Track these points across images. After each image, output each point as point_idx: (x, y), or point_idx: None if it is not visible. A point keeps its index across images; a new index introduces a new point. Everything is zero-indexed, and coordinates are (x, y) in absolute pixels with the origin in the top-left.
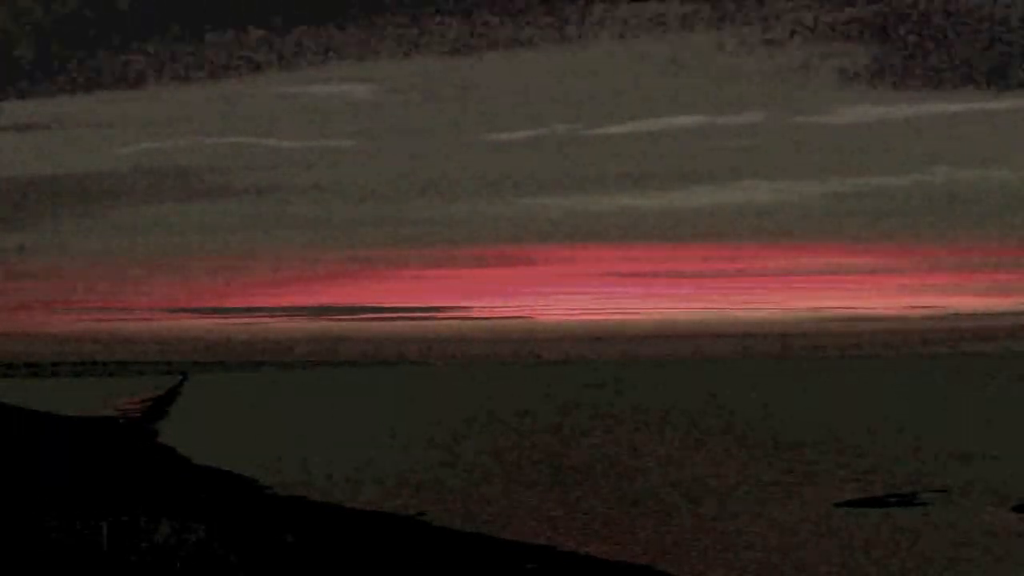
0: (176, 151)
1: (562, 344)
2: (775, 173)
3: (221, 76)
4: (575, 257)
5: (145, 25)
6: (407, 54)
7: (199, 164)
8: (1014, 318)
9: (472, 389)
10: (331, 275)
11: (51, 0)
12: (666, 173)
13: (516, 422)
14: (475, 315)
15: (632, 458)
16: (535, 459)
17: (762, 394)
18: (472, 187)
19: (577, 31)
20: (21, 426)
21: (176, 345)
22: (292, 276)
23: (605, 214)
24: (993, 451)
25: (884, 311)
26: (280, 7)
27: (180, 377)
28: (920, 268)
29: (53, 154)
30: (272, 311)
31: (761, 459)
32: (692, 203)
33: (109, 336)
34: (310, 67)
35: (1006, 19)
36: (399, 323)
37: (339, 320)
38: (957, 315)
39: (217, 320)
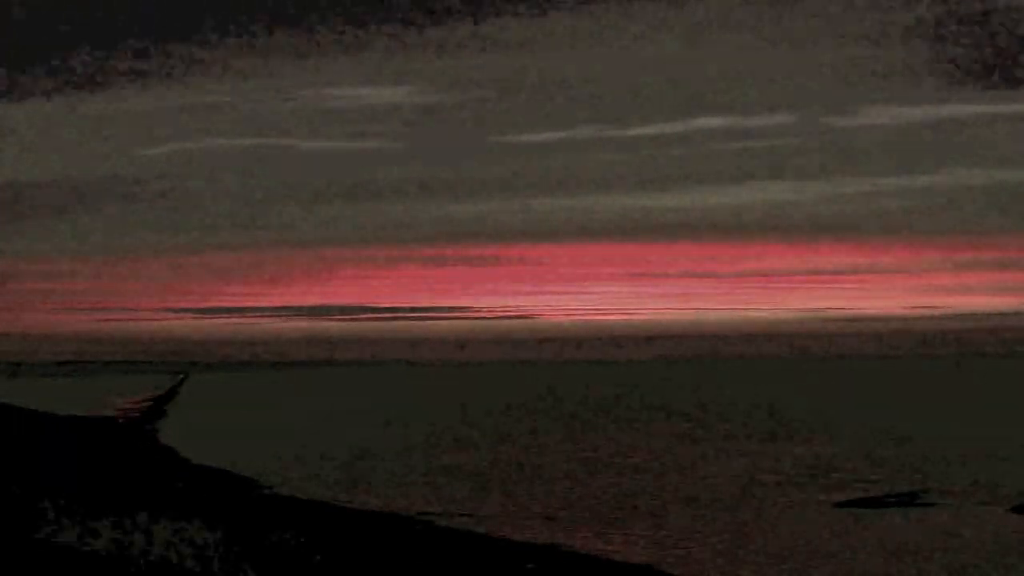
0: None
1: (564, 344)
2: (797, 174)
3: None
4: (583, 257)
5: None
6: (437, 56)
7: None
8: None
9: (474, 389)
10: (331, 275)
11: None
12: (683, 174)
13: (516, 422)
14: (476, 315)
15: (633, 458)
16: (536, 459)
17: (762, 394)
18: (493, 187)
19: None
20: (21, 426)
21: (176, 345)
22: (292, 276)
23: (615, 214)
24: (992, 452)
25: (885, 311)
26: (304, 5)
27: (180, 377)
28: (943, 267)
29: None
30: (272, 311)
31: (761, 459)
32: (702, 203)
33: (109, 336)
34: (334, 69)
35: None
36: (399, 323)
37: (339, 320)
38: (960, 315)
39: (217, 320)
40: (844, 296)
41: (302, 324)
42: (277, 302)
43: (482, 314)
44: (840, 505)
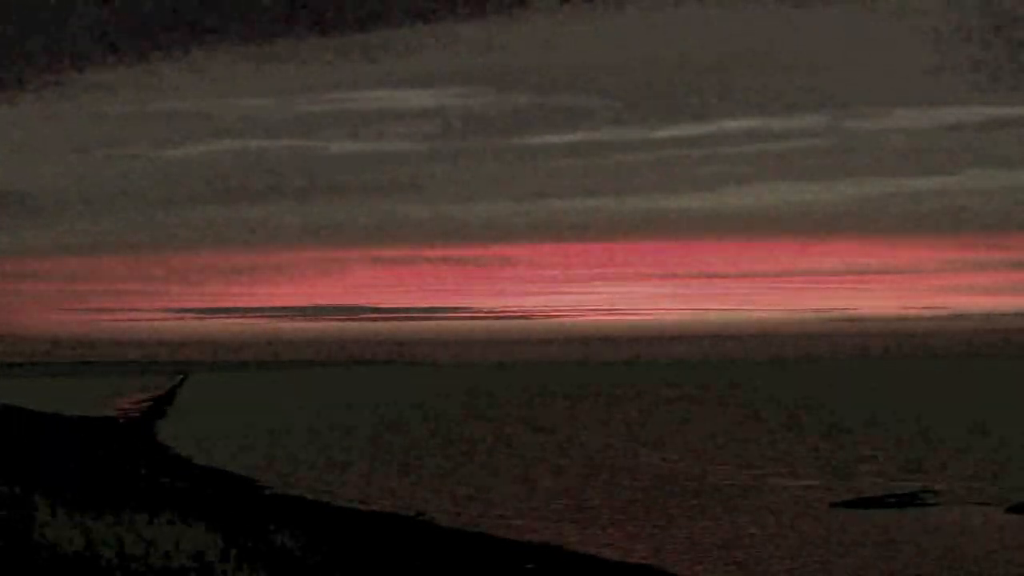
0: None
1: (566, 344)
2: (821, 175)
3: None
4: (585, 256)
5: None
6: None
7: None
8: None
9: (473, 389)
10: (332, 275)
11: None
12: (706, 175)
13: (516, 422)
14: (477, 315)
15: (633, 458)
16: (536, 459)
17: (765, 395)
18: (513, 188)
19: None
20: (21, 426)
21: (176, 345)
22: (292, 276)
23: (636, 215)
24: (992, 452)
25: (888, 311)
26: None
27: (180, 377)
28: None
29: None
30: (272, 311)
31: (761, 459)
32: (724, 204)
33: (109, 336)
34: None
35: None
36: (400, 323)
37: (339, 320)
38: (963, 315)
39: (217, 320)
40: (842, 297)
41: (302, 324)
42: (277, 302)
43: (494, 315)
44: (839, 505)
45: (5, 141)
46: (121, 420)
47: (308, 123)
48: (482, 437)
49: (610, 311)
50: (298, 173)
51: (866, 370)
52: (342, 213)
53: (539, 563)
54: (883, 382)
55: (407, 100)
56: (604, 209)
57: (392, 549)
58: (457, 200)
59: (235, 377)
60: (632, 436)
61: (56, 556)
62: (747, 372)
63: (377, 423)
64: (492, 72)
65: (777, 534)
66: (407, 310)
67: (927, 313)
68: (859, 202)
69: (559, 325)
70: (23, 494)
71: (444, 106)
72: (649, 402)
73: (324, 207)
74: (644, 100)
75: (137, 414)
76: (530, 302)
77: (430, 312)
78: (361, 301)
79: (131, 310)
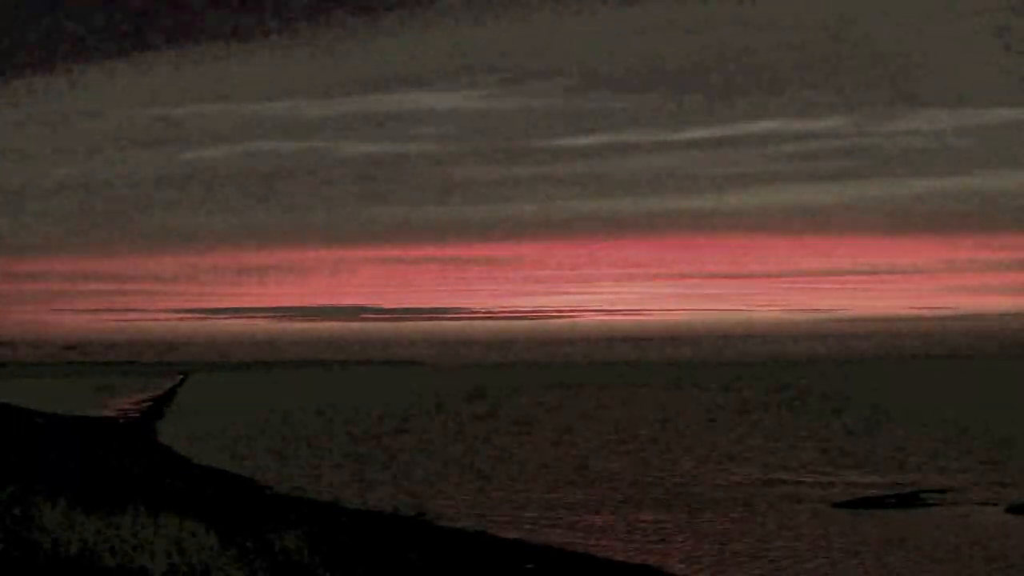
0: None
1: (584, 343)
2: (836, 176)
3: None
4: (590, 255)
5: None
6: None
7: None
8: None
9: (474, 389)
10: (332, 275)
11: None
12: (718, 176)
13: (516, 422)
14: (478, 315)
15: (632, 457)
16: (536, 459)
17: (766, 394)
18: (535, 189)
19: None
20: (21, 426)
21: (176, 345)
22: (292, 276)
23: (661, 215)
24: (992, 452)
25: (889, 311)
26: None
27: (180, 377)
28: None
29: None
30: (272, 311)
31: (761, 459)
32: (734, 204)
33: (109, 336)
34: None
35: None
36: (400, 323)
37: (339, 320)
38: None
39: (217, 320)
40: (847, 297)
41: (302, 324)
42: (277, 302)
43: (514, 314)
44: (839, 505)
45: (4, 139)
46: (121, 420)
47: (312, 124)
48: (482, 437)
49: (627, 311)
50: (300, 174)
51: (871, 370)
52: (347, 213)
53: (539, 563)
54: (885, 382)
55: (419, 102)
56: (619, 210)
57: (392, 549)
58: (467, 202)
59: (235, 377)
60: (632, 436)
61: (56, 556)
62: (752, 372)
63: (377, 423)
64: (509, 72)
65: (778, 534)
66: (408, 310)
67: (939, 313)
68: (877, 202)
69: (571, 325)
70: (23, 494)
71: (457, 108)
72: (650, 402)
73: (335, 208)
74: (669, 102)
75: (137, 414)
76: (539, 301)
77: (434, 312)
78: (361, 301)
79: (131, 310)
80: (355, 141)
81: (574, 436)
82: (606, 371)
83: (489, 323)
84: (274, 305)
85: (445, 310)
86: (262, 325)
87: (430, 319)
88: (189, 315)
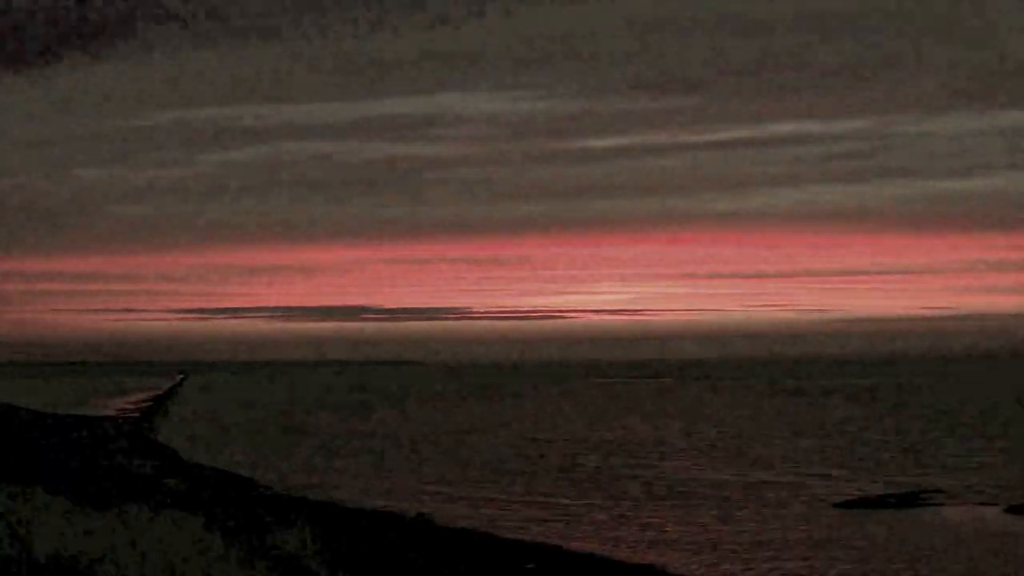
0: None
1: (568, 345)
2: (856, 177)
3: None
4: (591, 255)
5: None
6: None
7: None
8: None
9: (475, 389)
10: (332, 275)
11: None
12: (740, 177)
13: (516, 422)
14: (476, 315)
15: (632, 458)
16: (536, 459)
17: (766, 394)
18: (553, 190)
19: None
20: (21, 426)
21: (176, 345)
22: (293, 275)
23: (679, 215)
24: (992, 452)
25: (894, 312)
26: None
27: (180, 377)
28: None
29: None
30: (272, 311)
31: (764, 459)
32: (757, 204)
33: (109, 336)
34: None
35: None
36: (400, 323)
37: (339, 320)
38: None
39: (217, 320)
40: (849, 297)
41: (302, 324)
42: (277, 302)
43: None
44: (840, 505)
45: (5, 141)
46: (121, 420)
47: (312, 125)
48: (482, 437)
49: (628, 311)
50: (300, 174)
51: (879, 370)
52: (348, 214)
53: (539, 563)
54: (890, 382)
55: (423, 104)
56: (633, 211)
57: (392, 549)
58: (467, 202)
59: (235, 377)
60: (632, 436)
61: (55, 556)
62: (755, 371)
63: (378, 423)
64: (533, 75)
65: (778, 533)
66: (408, 310)
67: (953, 313)
68: (896, 203)
69: (585, 324)
70: (22, 494)
71: (481, 110)
72: (649, 403)
73: (335, 208)
74: (690, 104)
75: (137, 414)
76: (540, 301)
77: (436, 312)
78: (362, 301)
79: (131, 310)
80: (357, 142)
81: (574, 436)
82: (605, 371)
83: (489, 323)
84: (274, 305)
85: (445, 310)
86: (262, 325)
87: (430, 319)
88: (189, 315)
